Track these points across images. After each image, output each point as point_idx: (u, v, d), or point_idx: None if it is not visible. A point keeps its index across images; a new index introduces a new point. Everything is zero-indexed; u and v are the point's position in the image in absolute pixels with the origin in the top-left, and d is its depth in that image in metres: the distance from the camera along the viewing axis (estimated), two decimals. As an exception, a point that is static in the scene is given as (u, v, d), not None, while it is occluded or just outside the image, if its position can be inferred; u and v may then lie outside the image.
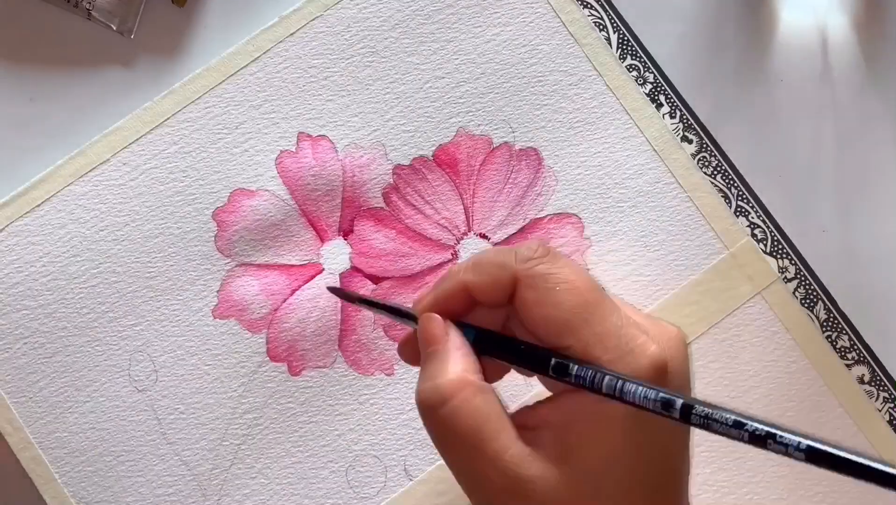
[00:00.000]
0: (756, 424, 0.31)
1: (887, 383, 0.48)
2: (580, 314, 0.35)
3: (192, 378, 0.47)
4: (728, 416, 0.32)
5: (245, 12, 0.49)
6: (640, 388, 0.33)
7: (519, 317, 0.37)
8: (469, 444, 0.35)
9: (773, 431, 0.31)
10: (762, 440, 0.31)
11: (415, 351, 0.39)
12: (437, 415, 0.36)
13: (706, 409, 0.32)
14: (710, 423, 0.32)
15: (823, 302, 0.48)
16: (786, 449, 0.31)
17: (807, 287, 0.48)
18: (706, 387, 0.48)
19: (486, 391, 0.36)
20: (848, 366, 0.48)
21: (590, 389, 0.34)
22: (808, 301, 0.48)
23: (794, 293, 0.48)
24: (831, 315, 0.48)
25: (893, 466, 0.29)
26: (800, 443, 0.31)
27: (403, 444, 0.47)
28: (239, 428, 0.47)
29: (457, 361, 0.37)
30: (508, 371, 0.39)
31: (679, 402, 0.33)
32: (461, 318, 0.38)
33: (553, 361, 0.35)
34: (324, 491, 0.47)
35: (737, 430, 0.32)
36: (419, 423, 0.47)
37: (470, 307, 0.38)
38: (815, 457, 0.30)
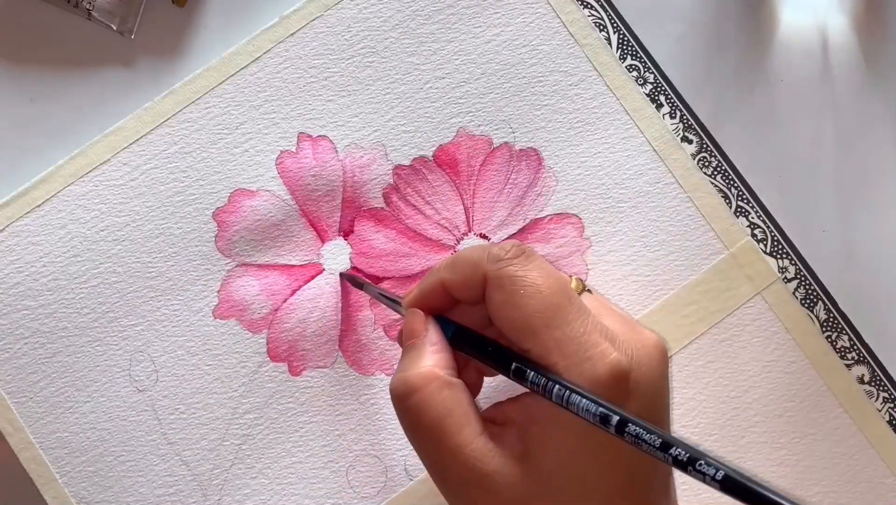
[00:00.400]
0: (679, 450, 0.32)
1: (887, 383, 0.48)
2: (542, 318, 0.36)
3: (192, 378, 0.47)
4: (656, 439, 0.32)
5: (245, 12, 0.49)
6: (584, 400, 0.34)
7: (491, 314, 0.37)
8: (433, 435, 0.37)
9: (695, 457, 0.31)
10: (684, 466, 0.32)
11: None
12: (404, 405, 0.37)
13: (638, 428, 0.33)
14: (639, 442, 0.33)
15: (823, 302, 0.48)
16: (703, 477, 0.31)
17: (807, 287, 0.48)
18: (706, 387, 0.48)
19: (452, 386, 0.37)
20: (848, 366, 0.48)
21: (543, 395, 0.35)
22: (808, 301, 0.48)
23: (794, 293, 0.48)
24: (831, 315, 0.48)
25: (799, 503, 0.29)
26: (716, 472, 0.31)
27: (404, 444, 0.47)
28: (239, 428, 0.47)
29: (429, 355, 0.38)
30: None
31: (615, 418, 0.33)
32: (445, 312, 0.40)
33: (513, 365, 0.36)
34: (324, 491, 0.47)
35: (662, 452, 0.32)
36: (419, 423, 0.47)
37: (451, 303, 0.39)
38: (729, 487, 0.31)
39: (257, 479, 0.47)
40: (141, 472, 0.47)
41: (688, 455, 0.32)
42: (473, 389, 0.39)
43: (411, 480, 0.47)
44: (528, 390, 0.37)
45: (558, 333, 0.35)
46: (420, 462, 0.47)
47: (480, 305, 0.38)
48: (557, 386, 0.35)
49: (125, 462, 0.47)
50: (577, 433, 0.35)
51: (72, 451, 0.47)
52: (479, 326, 0.39)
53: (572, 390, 0.34)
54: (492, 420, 0.37)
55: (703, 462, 0.31)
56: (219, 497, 0.47)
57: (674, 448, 0.32)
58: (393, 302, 0.42)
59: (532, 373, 0.35)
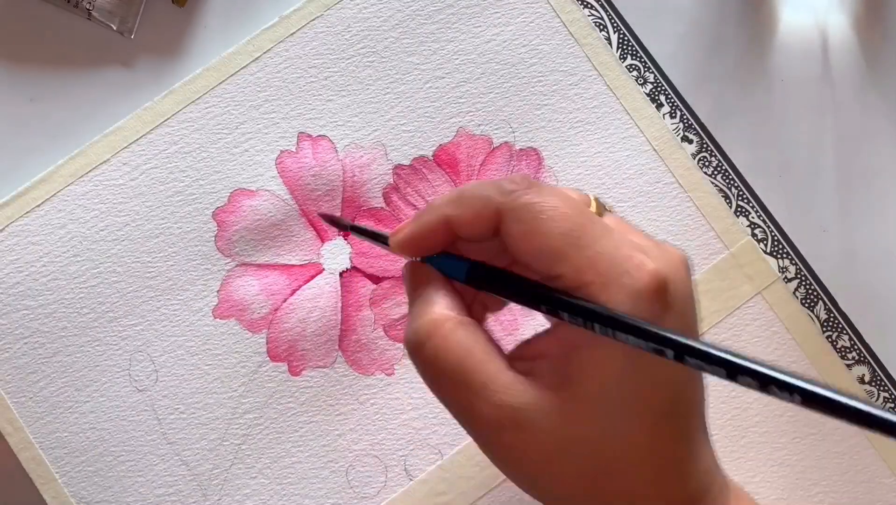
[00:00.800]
0: (753, 364, 0.31)
1: (887, 383, 0.48)
2: (569, 240, 0.34)
3: (192, 378, 0.47)
4: (720, 366, 0.31)
5: (245, 12, 0.49)
6: (630, 337, 0.32)
7: (509, 251, 0.35)
8: (456, 379, 0.34)
9: (773, 376, 0.30)
10: (765, 384, 0.30)
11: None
12: (421, 356, 0.35)
13: (698, 360, 0.31)
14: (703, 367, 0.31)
15: (824, 302, 0.48)
16: (789, 396, 0.30)
17: (807, 287, 0.48)
18: (706, 386, 0.48)
19: (466, 325, 0.35)
20: (848, 366, 0.48)
21: (583, 326, 0.33)
22: (808, 301, 0.48)
23: (794, 293, 0.48)
24: (831, 315, 0.48)
25: (880, 410, 0.29)
26: (791, 395, 0.30)
27: (404, 444, 0.47)
28: (239, 428, 0.47)
29: (435, 301, 0.36)
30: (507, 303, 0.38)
31: (670, 352, 0.32)
32: (439, 251, 0.37)
33: (554, 296, 0.34)
34: (324, 491, 0.47)
35: (729, 378, 0.31)
36: (419, 423, 0.47)
37: (450, 241, 0.37)
38: (811, 401, 0.30)
39: (257, 479, 0.47)
40: (141, 472, 0.47)
41: (770, 374, 0.30)
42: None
43: (411, 480, 0.47)
44: (556, 323, 0.35)
45: (589, 252, 0.33)
46: (420, 462, 0.47)
47: (480, 242, 0.36)
48: (598, 327, 0.33)
49: (125, 462, 0.47)
50: (625, 353, 0.33)
51: (71, 451, 0.47)
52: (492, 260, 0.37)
53: (616, 328, 0.32)
54: (518, 357, 0.35)
55: (781, 377, 0.30)
56: (219, 497, 0.47)
57: (757, 365, 0.31)
58: (381, 240, 0.40)
59: (566, 315, 0.33)
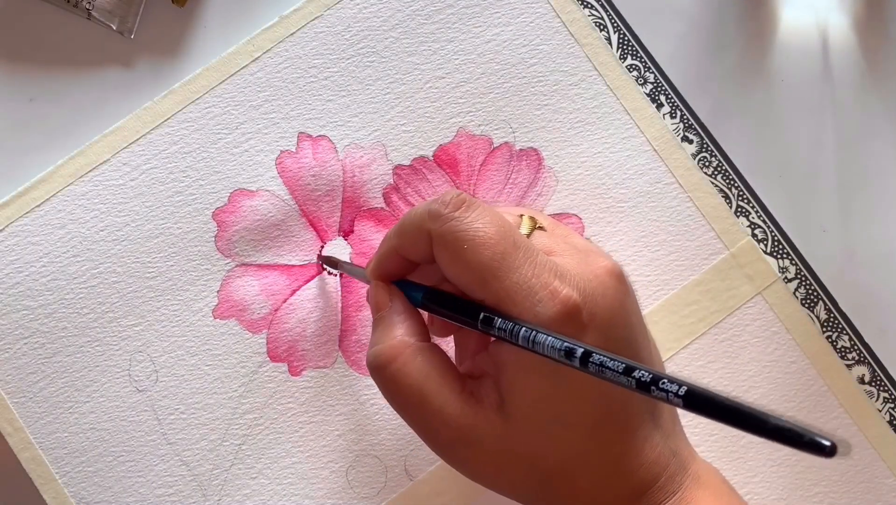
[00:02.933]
0: (643, 372, 0.32)
1: (887, 383, 0.48)
2: (489, 270, 0.36)
3: (192, 378, 0.47)
4: (619, 364, 0.32)
5: (245, 12, 0.49)
6: (549, 338, 0.34)
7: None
8: (414, 401, 0.37)
9: (658, 376, 0.31)
10: (647, 386, 0.31)
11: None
12: (381, 376, 0.38)
13: (602, 357, 0.33)
14: (603, 371, 0.33)
15: (824, 302, 0.48)
16: (667, 396, 0.31)
17: (807, 287, 0.48)
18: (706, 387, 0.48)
19: (425, 351, 0.38)
20: (848, 366, 0.48)
21: (510, 341, 0.35)
22: (808, 301, 0.48)
23: (794, 293, 0.48)
24: (832, 315, 0.48)
25: (772, 416, 0.29)
26: (679, 388, 0.31)
27: (404, 444, 0.47)
28: (239, 428, 0.47)
29: (397, 325, 0.38)
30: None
31: (579, 351, 0.33)
32: (408, 275, 0.40)
33: (481, 315, 0.36)
34: (324, 491, 0.47)
35: (625, 377, 0.32)
36: (419, 423, 0.47)
37: (411, 265, 0.40)
38: (692, 402, 0.30)
39: (257, 479, 0.47)
40: (141, 472, 0.47)
41: (651, 375, 0.31)
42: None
43: (411, 480, 0.47)
44: (494, 340, 0.37)
45: (506, 283, 0.35)
46: (420, 463, 0.47)
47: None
48: (524, 329, 0.35)
49: (125, 462, 0.47)
50: (545, 374, 0.35)
51: (71, 451, 0.47)
52: (441, 283, 0.39)
53: (538, 331, 0.34)
54: (469, 374, 0.38)
55: (665, 381, 0.31)
56: (219, 497, 0.47)
57: (637, 371, 0.32)
58: (360, 274, 0.43)
59: (499, 320, 0.35)
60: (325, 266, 0.47)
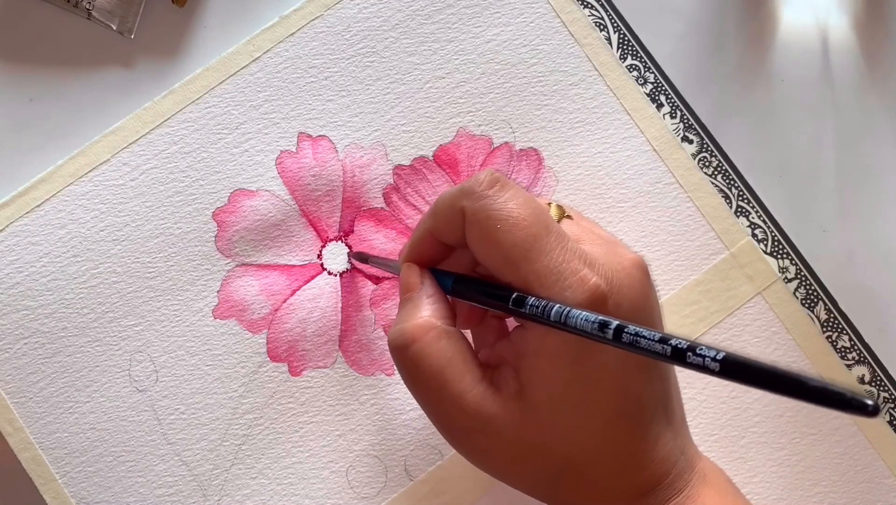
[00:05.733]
0: (679, 340, 0.31)
1: (887, 383, 0.48)
2: (520, 251, 0.35)
3: (192, 378, 0.47)
4: (654, 334, 0.32)
5: (245, 12, 0.49)
6: (582, 312, 0.34)
7: (473, 252, 0.37)
8: (434, 384, 0.37)
9: (694, 344, 0.31)
10: (682, 354, 0.31)
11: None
12: (403, 356, 0.37)
13: (637, 327, 0.32)
14: (638, 340, 0.32)
15: (824, 302, 0.48)
16: (703, 361, 0.30)
17: (807, 287, 0.48)
18: (706, 387, 0.48)
19: (450, 335, 0.37)
20: (848, 366, 0.48)
21: (541, 320, 0.35)
22: (808, 301, 0.48)
23: (794, 293, 0.48)
24: (831, 315, 0.48)
25: (812, 378, 0.28)
26: (717, 354, 0.30)
27: (404, 444, 0.47)
28: (239, 428, 0.47)
29: (425, 306, 0.38)
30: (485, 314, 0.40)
31: (613, 323, 0.33)
32: (440, 262, 0.40)
33: (514, 295, 0.36)
34: (324, 491, 0.47)
35: (661, 344, 0.31)
36: (420, 423, 0.47)
37: (444, 251, 0.39)
38: (729, 369, 0.30)
39: (257, 479, 0.47)
40: (141, 472, 0.47)
41: (687, 343, 0.31)
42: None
43: (411, 480, 0.47)
44: (515, 328, 0.37)
45: (537, 265, 0.35)
46: (420, 462, 0.47)
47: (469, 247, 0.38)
48: (557, 306, 0.34)
49: (125, 462, 0.47)
50: (566, 362, 0.35)
51: (71, 451, 0.47)
52: (473, 270, 0.39)
53: (571, 308, 0.34)
54: (486, 363, 0.38)
55: (702, 347, 0.31)
56: (219, 497, 0.47)
57: (673, 339, 0.31)
58: (393, 267, 0.42)
59: (531, 298, 0.35)
60: (356, 262, 0.47)
